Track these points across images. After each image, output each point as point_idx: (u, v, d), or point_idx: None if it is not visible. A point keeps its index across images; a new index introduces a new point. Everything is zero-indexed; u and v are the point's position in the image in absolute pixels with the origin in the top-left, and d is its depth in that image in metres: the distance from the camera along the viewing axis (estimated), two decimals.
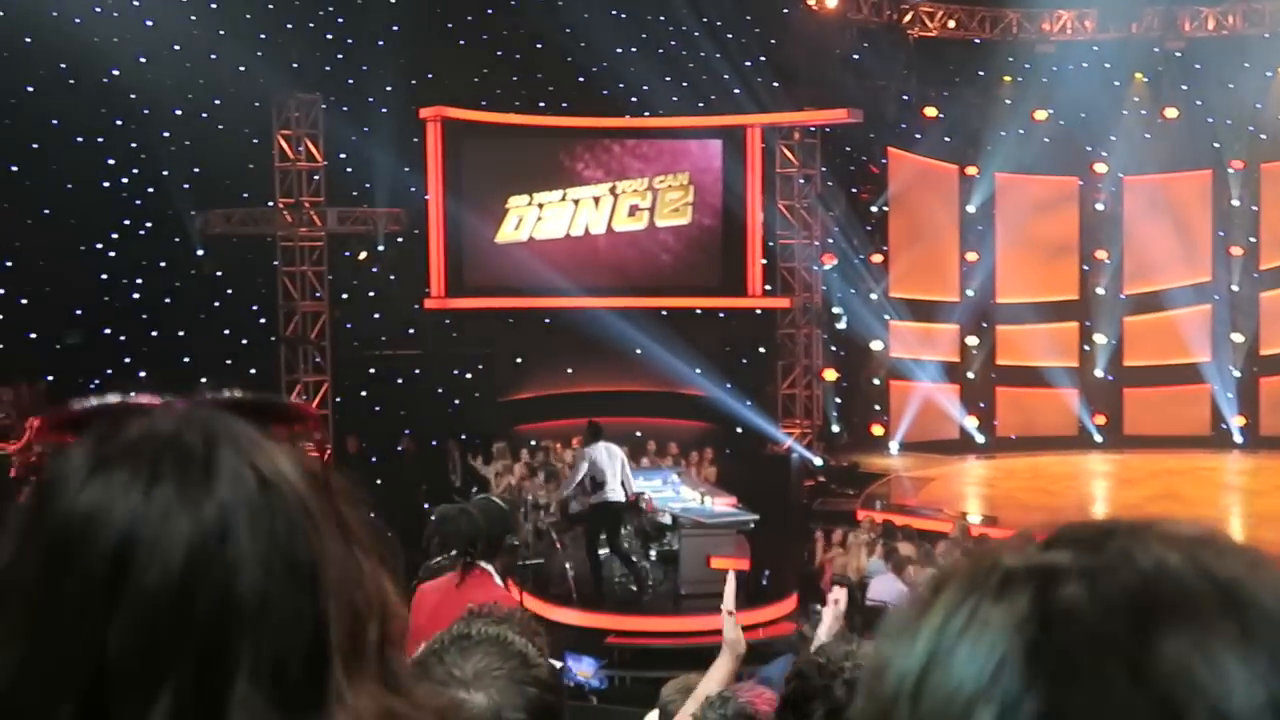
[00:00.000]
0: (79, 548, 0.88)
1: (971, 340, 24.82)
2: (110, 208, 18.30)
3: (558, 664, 2.24)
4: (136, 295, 18.74)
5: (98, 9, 16.98)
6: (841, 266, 22.68)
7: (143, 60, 17.63)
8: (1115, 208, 25.27)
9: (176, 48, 18.00)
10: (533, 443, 19.15)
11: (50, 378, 16.02)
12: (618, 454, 13.78)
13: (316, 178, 20.09)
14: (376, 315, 20.74)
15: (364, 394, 20.30)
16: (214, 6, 18.19)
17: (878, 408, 24.06)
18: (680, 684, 4.21)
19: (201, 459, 0.92)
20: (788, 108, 21.64)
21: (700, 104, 21.09)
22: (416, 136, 20.30)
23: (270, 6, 18.90)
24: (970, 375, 24.68)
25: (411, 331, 20.83)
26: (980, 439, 24.38)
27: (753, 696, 3.11)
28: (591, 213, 21.34)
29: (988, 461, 23.79)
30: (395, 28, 19.70)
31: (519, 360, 21.68)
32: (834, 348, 23.17)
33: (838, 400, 23.24)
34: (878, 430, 23.83)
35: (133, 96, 17.72)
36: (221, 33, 18.22)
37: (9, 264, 16.91)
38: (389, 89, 19.86)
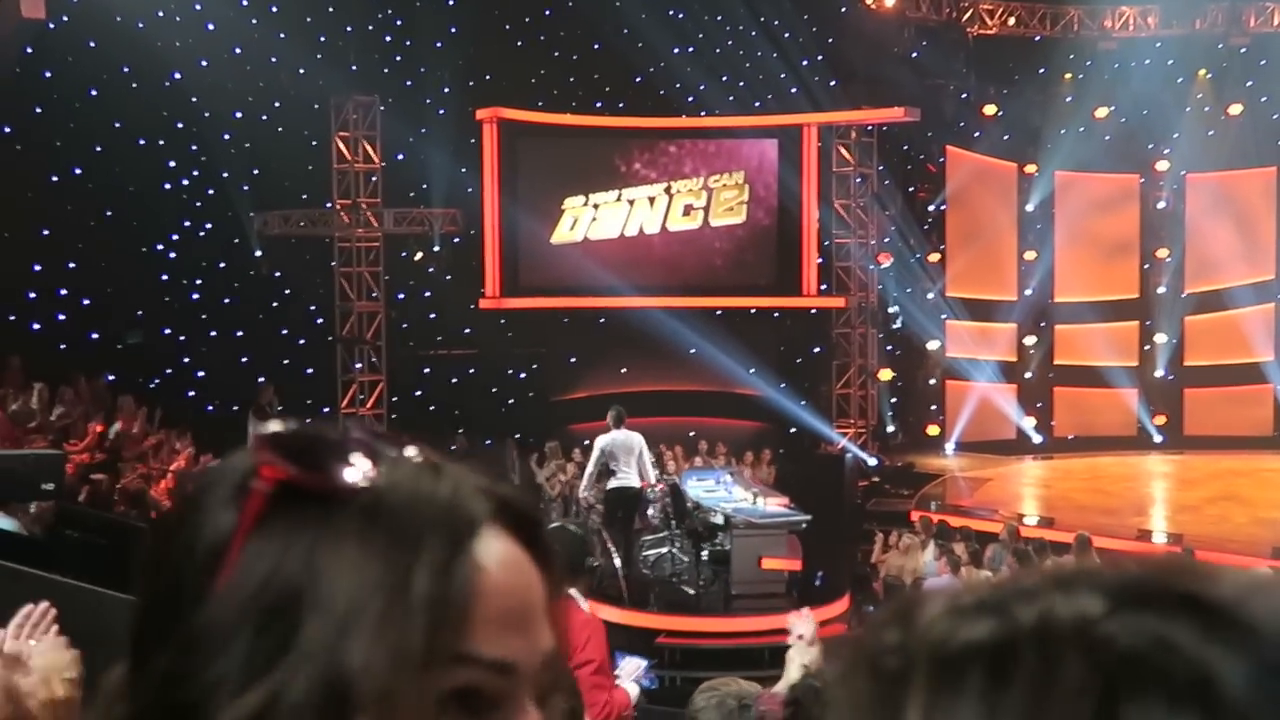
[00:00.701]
0: None
1: (1029, 340, 24.60)
2: (171, 209, 18.54)
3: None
4: (196, 295, 18.98)
5: (160, 13, 17.19)
6: (898, 266, 22.55)
7: (204, 64, 17.85)
8: (1177, 205, 24.97)
9: (237, 51, 18.23)
10: (585, 443, 19.16)
11: (111, 377, 16.27)
12: (635, 441, 14.26)
13: (374, 179, 20.27)
14: (432, 315, 20.91)
15: (419, 394, 20.47)
16: (274, 10, 18.41)
17: (933, 407, 23.90)
18: (716, 693, 4.20)
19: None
20: (844, 106, 21.57)
21: (756, 103, 21.06)
22: (473, 137, 20.42)
23: (329, 10, 19.08)
24: (1028, 375, 24.47)
25: (467, 331, 20.96)
26: (1037, 439, 24.16)
27: (771, 704, 3.13)
28: (646, 213, 21.37)
29: (1045, 462, 23.57)
30: (452, 29, 19.84)
31: (573, 360, 21.77)
32: (889, 347, 23.07)
33: (893, 400, 23.13)
34: (933, 430, 23.67)
35: (194, 99, 17.93)
36: (281, 36, 18.45)
37: (72, 265, 17.17)
38: (446, 90, 20.00)
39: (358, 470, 0.80)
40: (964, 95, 23.64)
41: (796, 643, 3.46)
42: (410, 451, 0.83)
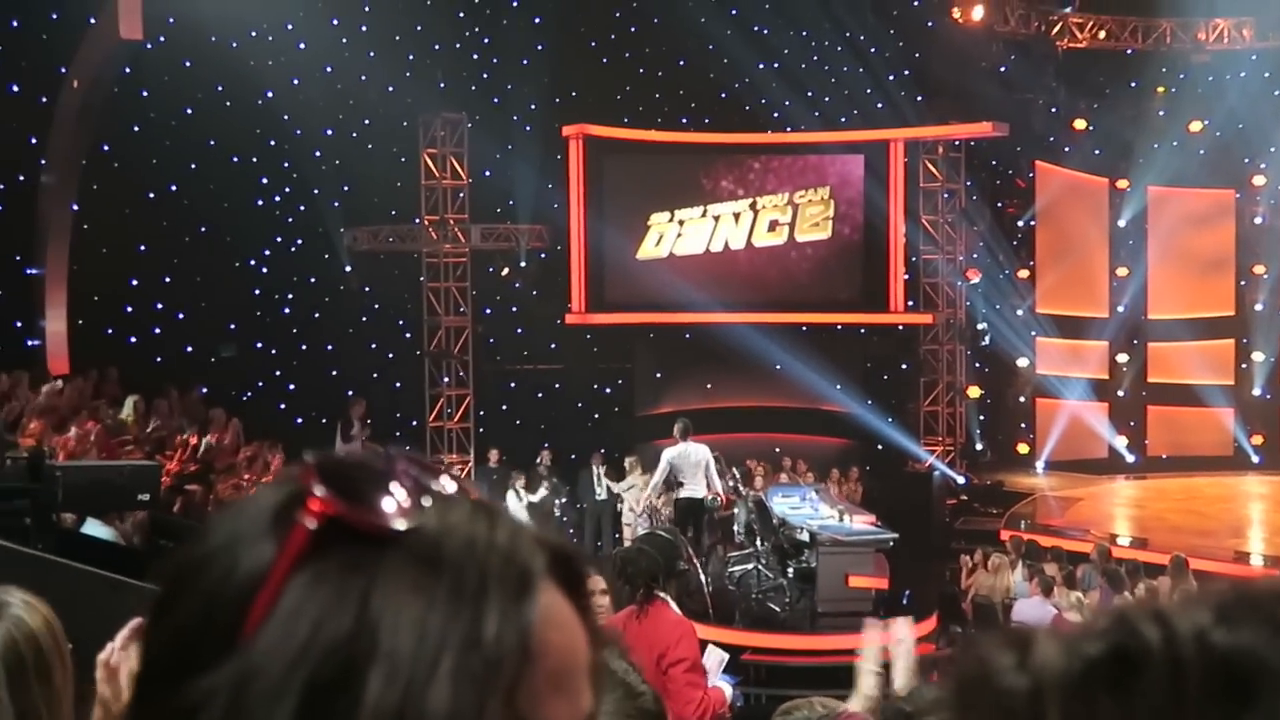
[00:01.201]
0: None
1: (1122, 357, 24.22)
2: (263, 225, 18.85)
3: None
4: (287, 310, 19.27)
5: (253, 33, 17.50)
6: (986, 282, 22.29)
7: (295, 82, 18.12)
8: (1274, 221, 24.48)
9: (328, 69, 18.49)
10: None
11: (204, 389, 16.57)
12: (701, 454, 14.49)
13: (461, 195, 20.44)
14: (518, 330, 21.04)
15: (505, 408, 20.59)
16: (364, 29, 18.67)
17: (1023, 425, 23.60)
18: (798, 713, 4.14)
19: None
20: (931, 121, 21.42)
21: (842, 119, 20.96)
22: (559, 154, 20.54)
23: (418, 28, 19.30)
24: (1120, 393, 24.08)
25: (552, 346, 21.06)
26: (1130, 458, 23.75)
27: None
28: (731, 228, 21.34)
29: (1138, 482, 23.16)
30: (539, 46, 19.96)
31: (658, 375, 21.79)
32: (978, 364, 22.81)
33: (981, 418, 22.86)
34: (1023, 448, 23.37)
35: (285, 117, 18.23)
36: (371, 54, 18.71)
37: (167, 279, 17.51)
38: (532, 107, 20.13)
39: (411, 509, 0.74)
40: (1053, 109, 23.36)
41: (895, 647, 3.33)
42: (450, 483, 0.77)
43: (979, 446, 22.81)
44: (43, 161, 15.81)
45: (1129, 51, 23.71)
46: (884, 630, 4.01)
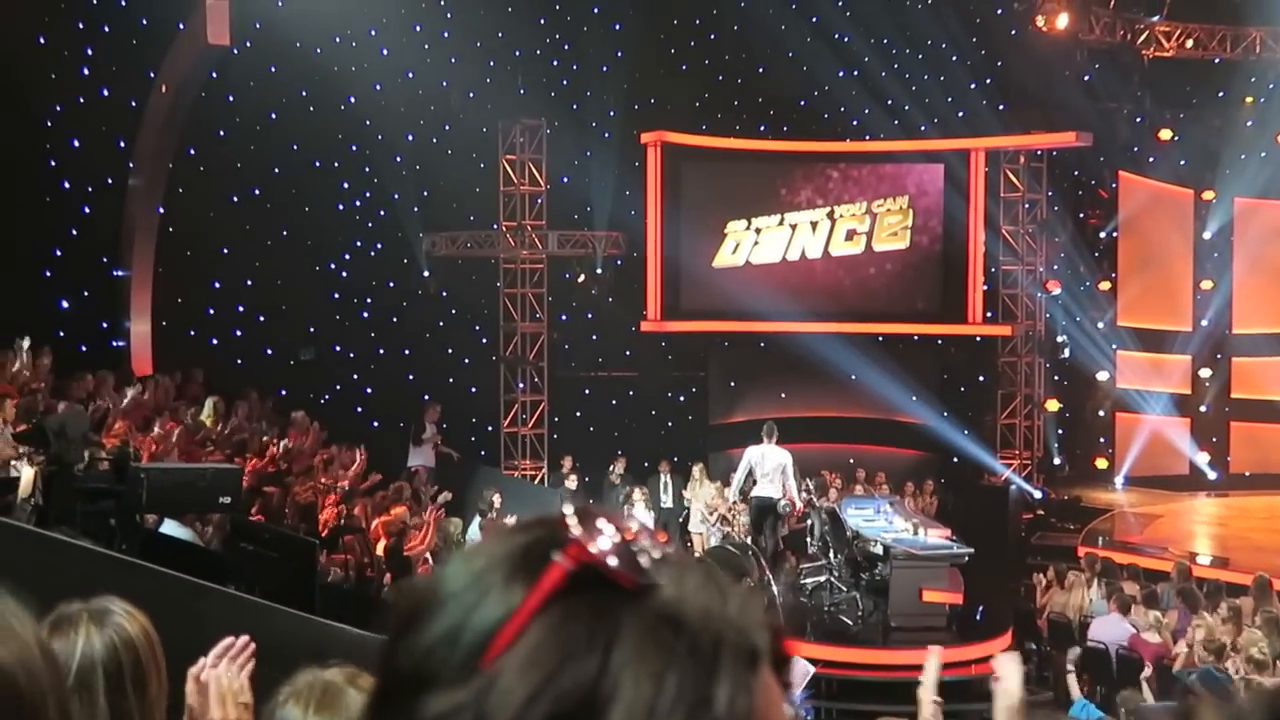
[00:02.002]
0: None
1: (1205, 372, 23.78)
2: (344, 229, 19.05)
3: None
4: (366, 314, 19.46)
5: (337, 39, 17.69)
6: (1067, 294, 22.01)
7: (377, 88, 18.32)
8: None
9: (409, 75, 18.67)
10: None
11: (284, 392, 16.77)
12: (779, 458, 15.12)
13: (539, 201, 20.53)
14: (594, 337, 21.09)
15: (579, 414, 20.64)
16: (445, 36, 18.80)
17: (1102, 440, 23.25)
18: None
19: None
20: (1013, 131, 21.20)
21: (922, 127, 20.79)
22: (637, 160, 20.55)
23: (499, 35, 19.42)
24: (1203, 408, 23.64)
25: (627, 353, 21.09)
26: (1212, 475, 23.30)
27: None
28: (808, 237, 21.22)
29: (1220, 499, 22.72)
30: (618, 53, 20.03)
31: (732, 384, 21.75)
32: (1057, 377, 22.52)
33: (1060, 431, 22.57)
34: (1101, 463, 23.02)
35: (367, 123, 18.43)
36: (452, 60, 18.84)
37: (249, 283, 17.74)
38: (611, 114, 20.18)
39: (654, 567, 0.78)
40: (1138, 119, 23.02)
41: (996, 687, 3.07)
42: (668, 548, 0.81)
43: (1057, 461, 22.53)
44: (130, 165, 16.09)
45: (1217, 60, 23.28)
46: (937, 655, 3.94)
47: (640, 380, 21.11)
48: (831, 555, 14.93)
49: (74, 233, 15.53)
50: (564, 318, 21.08)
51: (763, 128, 21.42)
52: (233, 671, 2.48)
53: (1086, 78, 22.29)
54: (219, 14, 14.39)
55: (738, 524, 17.10)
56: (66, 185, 15.51)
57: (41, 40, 14.79)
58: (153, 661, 2.38)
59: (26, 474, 7.42)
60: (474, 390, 20.31)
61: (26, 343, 12.08)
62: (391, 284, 19.67)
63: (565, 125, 20.12)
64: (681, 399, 21.69)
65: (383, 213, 19.29)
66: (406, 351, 19.49)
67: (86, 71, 15.55)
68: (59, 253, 15.32)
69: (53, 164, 15.12)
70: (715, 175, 21.11)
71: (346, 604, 8.86)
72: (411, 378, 18.98)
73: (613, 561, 0.77)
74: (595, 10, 20.53)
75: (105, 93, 15.70)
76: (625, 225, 20.56)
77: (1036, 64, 21.41)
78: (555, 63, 20.47)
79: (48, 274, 15.17)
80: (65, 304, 15.50)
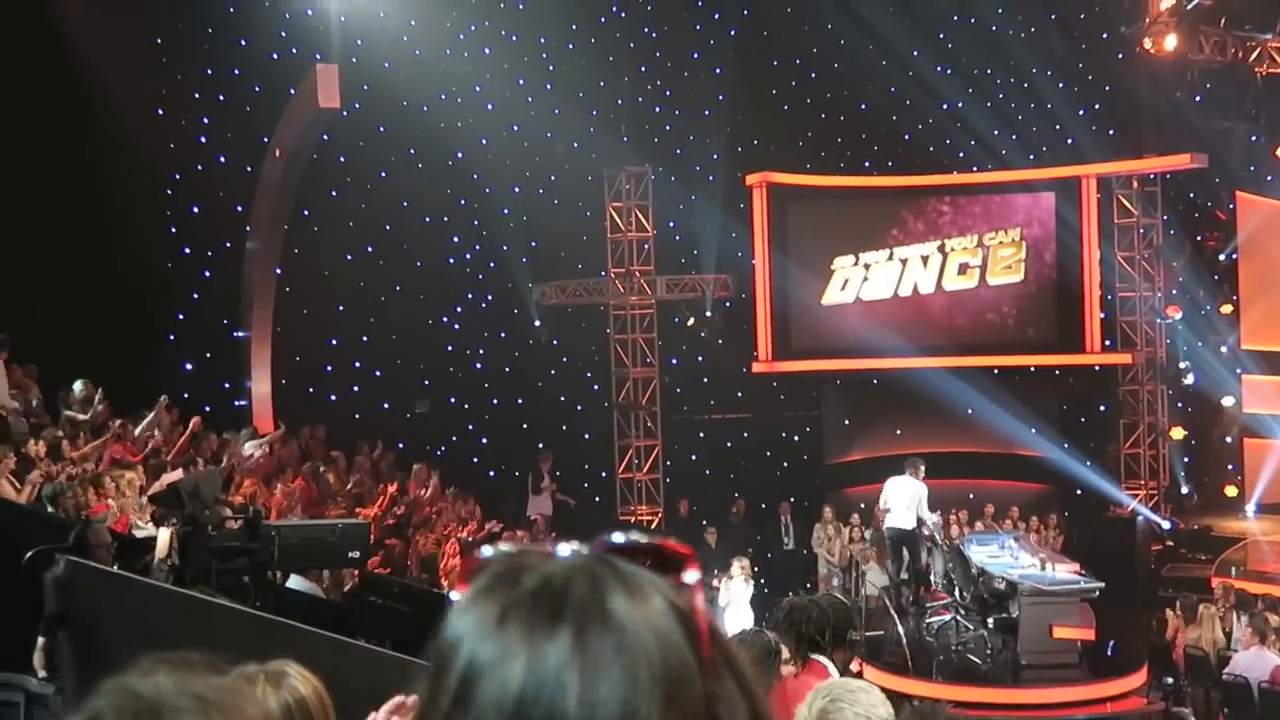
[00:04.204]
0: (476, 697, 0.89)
1: None
2: (455, 282, 19.32)
3: None
4: (479, 365, 19.66)
5: (443, 95, 17.98)
6: (1187, 319, 21.49)
7: (484, 142, 18.59)
8: None
9: (515, 128, 18.92)
10: (863, 506, 18.88)
11: (401, 445, 16.97)
12: (911, 487, 15.09)
13: (646, 246, 20.60)
14: (705, 380, 21.04)
15: (694, 458, 20.60)
16: (549, 88, 19.02)
17: (1231, 467, 22.60)
18: None
19: (599, 612, 0.90)
20: (1125, 155, 20.86)
21: (1031, 155, 20.55)
22: (742, 202, 20.55)
23: (601, 84, 19.60)
24: None
25: (739, 395, 21.02)
26: None
27: None
28: (920, 272, 20.99)
29: None
30: (720, 97, 20.09)
31: (846, 422, 21.57)
32: (1180, 404, 21.99)
33: (1186, 459, 22.00)
34: (1231, 491, 22.36)
35: (475, 176, 18.69)
36: (556, 111, 19.04)
37: (364, 339, 18.04)
38: (715, 156, 20.25)
39: None
40: (1254, 138, 22.47)
41: None
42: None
43: (1184, 490, 21.95)
44: (247, 228, 16.49)
45: None
46: None
47: (754, 421, 21.03)
48: (957, 593, 14.68)
49: (195, 296, 15.93)
50: (675, 361, 21.09)
51: (867, 164, 21.30)
52: None
53: (1198, 98, 21.83)
54: (329, 78, 14.71)
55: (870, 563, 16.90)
56: (187, 250, 15.95)
57: (160, 111, 15.25)
58: None
59: (163, 536, 7.59)
60: (587, 437, 20.38)
61: (164, 400, 12.32)
62: (503, 334, 19.86)
63: (670, 170, 20.22)
64: (796, 439, 21.55)
65: (493, 264, 19.52)
66: (520, 400, 19.64)
67: (204, 139, 16.02)
68: (181, 316, 15.72)
69: (173, 230, 15.57)
70: (821, 213, 21.02)
71: None
72: (525, 426, 19.11)
73: None
74: (695, 55, 20.65)
75: (222, 159, 16.14)
76: (733, 267, 20.55)
77: (1146, 87, 21.08)
78: (658, 109, 20.61)
79: (171, 338, 15.57)
80: (189, 366, 15.88)
